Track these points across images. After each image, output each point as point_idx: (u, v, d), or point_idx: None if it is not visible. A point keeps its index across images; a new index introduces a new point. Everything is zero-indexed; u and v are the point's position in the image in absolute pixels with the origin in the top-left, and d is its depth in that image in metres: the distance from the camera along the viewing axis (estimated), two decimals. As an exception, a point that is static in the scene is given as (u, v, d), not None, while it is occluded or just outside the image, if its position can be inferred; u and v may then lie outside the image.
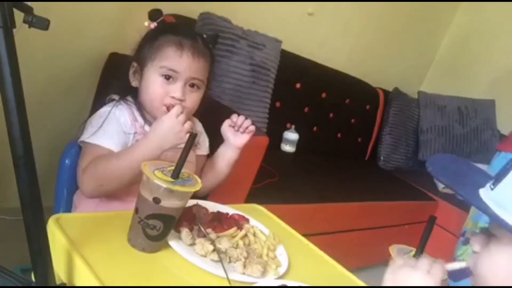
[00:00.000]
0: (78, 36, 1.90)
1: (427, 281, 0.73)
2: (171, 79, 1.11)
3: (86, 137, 1.09)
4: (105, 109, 1.13)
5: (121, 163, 1.04)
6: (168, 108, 1.09)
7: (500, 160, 2.08)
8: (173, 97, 1.10)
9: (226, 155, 1.24)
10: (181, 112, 1.04)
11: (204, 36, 1.18)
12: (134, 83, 1.16)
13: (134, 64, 1.15)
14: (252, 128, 1.21)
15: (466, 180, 0.76)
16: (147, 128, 1.14)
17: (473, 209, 2.29)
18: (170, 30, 1.14)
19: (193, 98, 1.15)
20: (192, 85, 1.14)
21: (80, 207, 1.15)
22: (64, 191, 1.19)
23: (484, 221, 2.20)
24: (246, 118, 1.21)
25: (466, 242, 2.27)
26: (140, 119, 1.15)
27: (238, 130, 1.21)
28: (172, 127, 1.02)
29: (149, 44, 1.13)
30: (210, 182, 1.25)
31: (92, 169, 1.04)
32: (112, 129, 1.10)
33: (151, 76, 1.12)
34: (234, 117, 1.21)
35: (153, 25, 1.14)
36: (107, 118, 1.10)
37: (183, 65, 1.10)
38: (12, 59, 0.68)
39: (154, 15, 1.16)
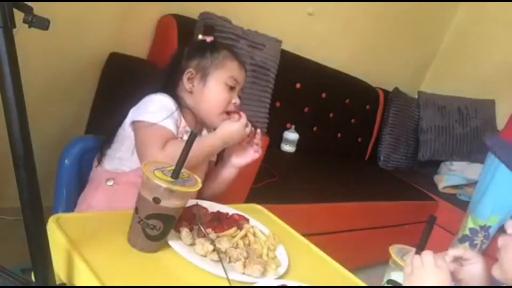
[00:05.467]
0: (78, 36, 1.90)
1: (440, 275, 0.81)
2: (233, 89, 1.23)
3: (154, 119, 1.12)
4: (162, 98, 1.18)
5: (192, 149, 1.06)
6: (228, 113, 1.22)
7: None
8: (234, 103, 1.23)
9: (224, 174, 1.29)
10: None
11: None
12: (188, 87, 1.22)
13: (192, 71, 1.22)
14: (258, 154, 1.27)
15: None
16: (188, 129, 1.20)
17: (470, 207, 2.30)
18: (224, 46, 1.29)
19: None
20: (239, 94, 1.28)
21: (92, 203, 1.14)
22: (64, 191, 1.19)
23: (482, 219, 2.21)
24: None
25: (463, 240, 2.28)
26: (183, 120, 1.20)
27: (248, 142, 1.25)
28: (238, 129, 1.18)
29: (210, 55, 1.23)
30: (206, 194, 1.27)
31: (171, 149, 1.06)
32: (174, 118, 1.16)
33: (217, 84, 1.22)
34: (258, 135, 1.26)
35: (209, 39, 1.26)
36: (169, 108, 1.16)
37: (243, 77, 1.26)
38: (12, 59, 0.68)
39: (208, 31, 1.29)
